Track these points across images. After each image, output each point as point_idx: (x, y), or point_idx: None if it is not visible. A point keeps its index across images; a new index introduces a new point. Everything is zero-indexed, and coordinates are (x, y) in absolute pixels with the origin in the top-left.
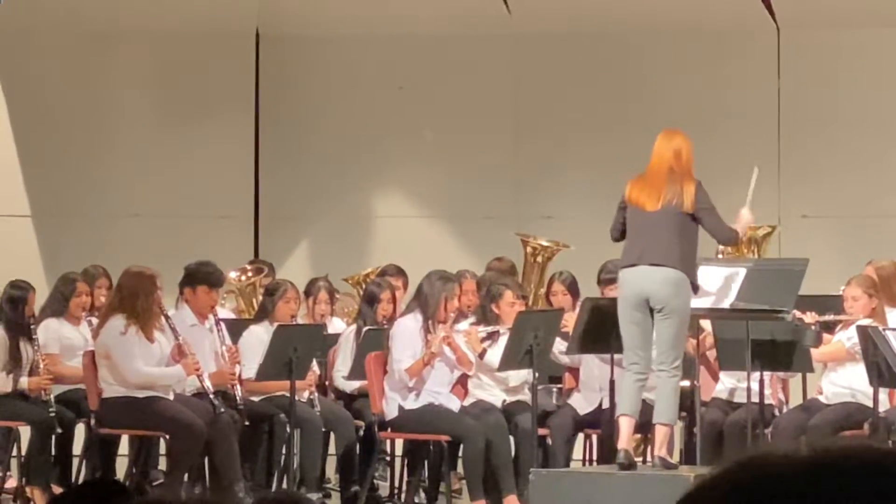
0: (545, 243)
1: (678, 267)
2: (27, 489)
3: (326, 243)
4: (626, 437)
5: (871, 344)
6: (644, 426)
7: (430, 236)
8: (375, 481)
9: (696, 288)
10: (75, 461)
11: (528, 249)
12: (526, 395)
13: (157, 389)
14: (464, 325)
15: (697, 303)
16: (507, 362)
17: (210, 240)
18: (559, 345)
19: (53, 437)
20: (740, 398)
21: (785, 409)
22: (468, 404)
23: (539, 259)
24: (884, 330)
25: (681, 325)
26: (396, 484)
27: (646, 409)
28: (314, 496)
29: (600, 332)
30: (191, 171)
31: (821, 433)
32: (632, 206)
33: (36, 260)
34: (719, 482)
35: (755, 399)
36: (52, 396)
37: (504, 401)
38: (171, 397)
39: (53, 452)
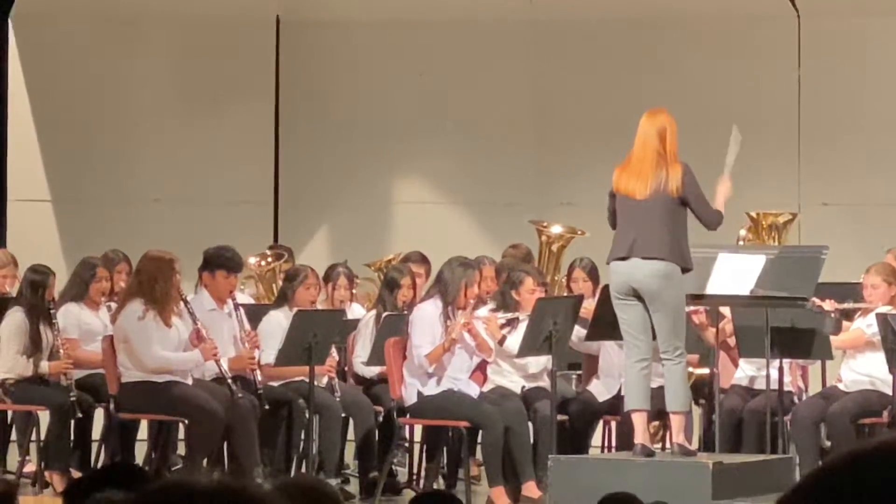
0: (559, 231)
1: (669, 258)
2: (46, 473)
3: (346, 229)
4: (640, 432)
5: (890, 331)
6: (661, 413)
7: (451, 222)
8: (394, 467)
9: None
10: (94, 446)
11: (543, 238)
12: (545, 382)
13: (174, 374)
14: (483, 311)
15: (717, 290)
16: (527, 349)
17: (230, 225)
18: (578, 331)
19: (73, 421)
20: (760, 385)
21: (804, 397)
22: (487, 391)
23: (554, 247)
24: None
25: (676, 314)
26: (415, 470)
27: (661, 395)
28: (333, 482)
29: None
30: (211, 157)
31: (840, 421)
32: (621, 194)
33: (56, 245)
34: (837, 470)
35: (774, 386)
36: (72, 381)
37: (523, 387)
38: (190, 382)
39: (73, 437)
